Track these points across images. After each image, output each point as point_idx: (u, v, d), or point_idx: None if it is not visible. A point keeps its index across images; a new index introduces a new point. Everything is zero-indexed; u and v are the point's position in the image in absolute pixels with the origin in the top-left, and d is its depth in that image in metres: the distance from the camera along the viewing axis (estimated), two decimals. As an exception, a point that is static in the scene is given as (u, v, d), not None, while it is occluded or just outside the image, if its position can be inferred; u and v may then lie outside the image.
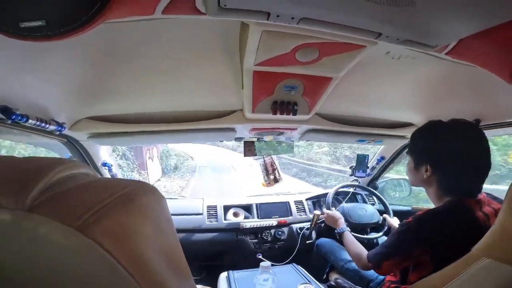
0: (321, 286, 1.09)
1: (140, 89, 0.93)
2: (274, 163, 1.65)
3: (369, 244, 1.62)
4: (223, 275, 1.23)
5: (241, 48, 0.74)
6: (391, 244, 0.87)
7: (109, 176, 1.52)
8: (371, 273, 1.24)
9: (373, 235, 1.49)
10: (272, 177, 1.67)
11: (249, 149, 1.45)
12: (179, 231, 1.59)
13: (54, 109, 0.91)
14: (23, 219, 0.21)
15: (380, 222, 1.57)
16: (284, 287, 1.03)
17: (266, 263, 0.94)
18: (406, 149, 1.58)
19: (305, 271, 1.23)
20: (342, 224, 1.33)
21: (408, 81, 0.99)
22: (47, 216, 0.21)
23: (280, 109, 0.99)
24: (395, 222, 1.53)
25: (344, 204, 1.64)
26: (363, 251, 1.05)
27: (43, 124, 0.86)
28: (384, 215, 1.59)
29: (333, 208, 1.51)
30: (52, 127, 0.91)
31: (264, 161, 1.63)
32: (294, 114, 1.01)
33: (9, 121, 0.76)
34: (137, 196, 0.30)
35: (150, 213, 0.30)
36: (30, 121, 0.80)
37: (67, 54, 0.69)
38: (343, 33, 0.61)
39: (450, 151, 0.81)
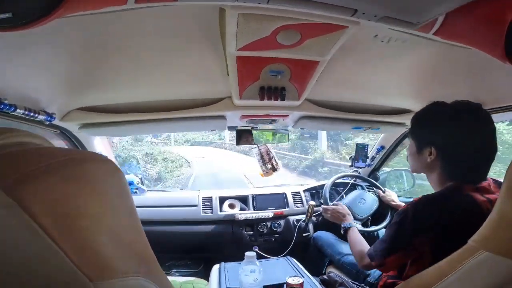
0: (313, 279, 1.07)
1: (128, 79, 0.94)
2: (269, 151, 1.63)
3: (369, 237, 1.59)
4: (215, 268, 1.23)
5: (222, 34, 0.73)
6: (391, 238, 0.82)
7: None
8: None
9: (373, 227, 1.45)
10: (269, 166, 1.65)
11: (241, 137, 1.43)
12: (175, 223, 1.59)
13: (44, 101, 0.92)
14: None
15: (377, 207, 1.53)
16: (272, 279, 1.01)
17: (251, 253, 0.92)
18: (407, 136, 1.55)
19: (299, 265, 1.21)
20: (349, 220, 1.26)
21: (401, 66, 0.96)
22: None
23: (267, 94, 0.98)
24: (391, 195, 1.51)
25: (344, 198, 1.62)
26: (366, 250, 0.98)
27: (31, 114, 0.87)
28: (379, 193, 1.56)
29: (339, 203, 1.46)
30: (41, 117, 0.92)
31: (259, 150, 1.61)
32: (283, 99, 1.00)
33: None
34: (80, 163, 0.28)
35: (94, 184, 0.28)
36: (18, 110, 0.81)
37: (53, 46, 0.70)
38: (318, 12, 0.58)
39: (456, 132, 0.78)
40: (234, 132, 1.46)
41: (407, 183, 1.86)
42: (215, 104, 1.13)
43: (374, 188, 1.73)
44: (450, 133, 0.79)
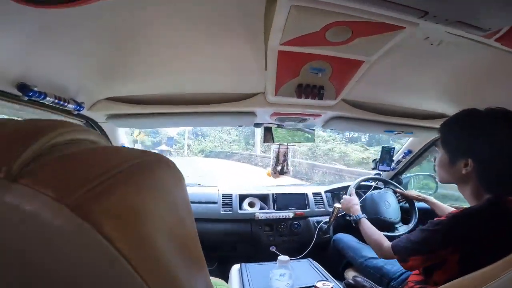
0: (338, 284, 1.04)
1: (158, 70, 0.92)
2: (287, 154, 1.59)
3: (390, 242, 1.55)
4: (235, 268, 1.21)
5: (266, 26, 0.70)
6: (419, 241, 0.82)
7: None
8: (393, 271, 1.21)
9: (396, 232, 1.41)
10: (279, 168, 1.61)
11: (269, 135, 1.39)
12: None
13: (73, 89, 0.91)
14: (6, 190, 0.17)
15: (399, 221, 1.50)
16: (300, 283, 1.00)
17: (284, 258, 0.90)
18: (436, 142, 1.50)
19: (321, 267, 1.19)
20: (357, 211, 1.29)
21: (445, 69, 0.92)
22: (35, 187, 0.17)
23: (305, 92, 0.96)
24: (412, 192, 1.50)
25: (374, 191, 1.58)
26: (384, 239, 1.03)
27: (61, 102, 0.86)
28: (400, 192, 1.55)
29: (352, 193, 1.47)
30: (71, 106, 0.92)
31: (279, 149, 1.57)
32: (320, 98, 0.97)
33: (26, 98, 0.76)
34: (152, 168, 0.25)
35: (165, 190, 0.26)
36: (48, 98, 0.80)
37: (85, 32, 0.68)
38: (383, 11, 0.56)
39: (496, 142, 0.74)
40: (263, 140, 1.43)
41: (430, 188, 1.83)
42: (247, 100, 1.10)
43: (396, 192, 1.68)
44: (489, 143, 0.74)
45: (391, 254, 0.92)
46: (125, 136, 1.44)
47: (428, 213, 1.40)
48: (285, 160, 1.61)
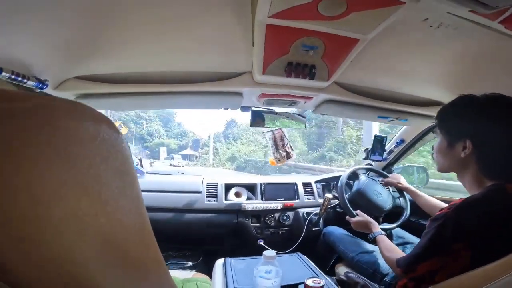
0: (329, 280, 0.99)
1: (134, 46, 0.85)
2: (284, 136, 1.52)
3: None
4: (219, 262, 1.16)
5: None
6: (427, 243, 0.75)
7: None
8: (387, 267, 1.16)
9: (386, 225, 1.37)
10: (283, 153, 1.53)
11: (257, 119, 1.31)
12: (175, 210, 1.50)
13: (37, 66, 0.83)
14: None
15: (391, 208, 1.46)
16: (285, 279, 0.92)
17: (270, 252, 0.83)
18: (432, 130, 1.45)
19: (311, 262, 1.16)
20: (376, 228, 1.19)
21: (444, 54, 0.89)
22: None
23: (295, 71, 0.90)
24: (396, 177, 1.45)
25: (362, 178, 1.52)
26: (400, 255, 0.93)
27: (19, 78, 0.78)
28: (382, 180, 1.50)
29: (359, 212, 1.35)
30: (31, 83, 0.83)
31: (274, 134, 1.50)
32: (312, 78, 0.92)
33: None
34: (57, 118, 0.18)
35: (87, 164, 0.18)
36: (3, 74, 0.73)
37: (51, 9, 0.62)
38: None
39: (493, 123, 0.72)
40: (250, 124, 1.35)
41: (421, 180, 1.81)
42: (232, 79, 1.04)
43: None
44: (487, 123, 0.74)
45: (398, 272, 0.85)
46: None
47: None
48: (284, 143, 1.53)
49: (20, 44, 0.72)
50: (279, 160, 1.53)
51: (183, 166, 21.10)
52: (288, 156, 1.53)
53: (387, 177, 1.58)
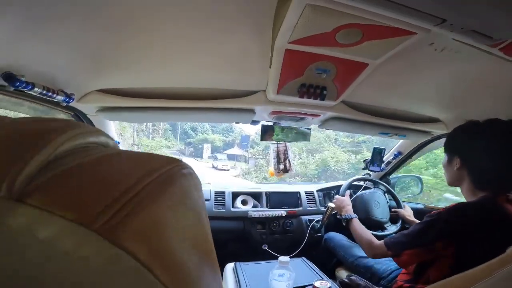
0: (334, 283, 1.05)
1: (155, 62, 0.88)
2: (287, 151, 1.59)
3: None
4: (229, 266, 1.20)
5: (275, 23, 0.68)
6: (416, 234, 0.87)
7: None
8: (382, 270, 1.24)
9: (385, 232, 1.45)
10: (282, 166, 1.61)
11: (267, 132, 1.38)
12: None
13: (62, 80, 0.86)
14: (10, 212, 0.13)
15: (388, 220, 1.53)
16: (297, 282, 0.99)
17: (284, 258, 0.89)
18: (427, 145, 1.55)
19: (316, 266, 1.20)
20: (349, 211, 1.33)
21: (443, 75, 0.94)
22: (47, 208, 0.14)
23: (307, 92, 0.95)
24: (408, 211, 1.52)
25: (364, 192, 1.61)
26: (374, 238, 1.08)
27: (50, 94, 0.82)
28: (395, 210, 1.57)
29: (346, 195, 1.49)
30: (60, 98, 0.86)
31: (278, 147, 1.56)
32: (322, 99, 0.97)
33: (12, 89, 0.71)
34: (177, 179, 0.23)
35: (191, 201, 0.24)
36: (35, 89, 0.76)
37: (78, 22, 0.64)
38: (400, 17, 0.55)
39: (478, 143, 0.85)
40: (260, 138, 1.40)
41: (415, 189, 1.92)
42: (247, 97, 1.08)
43: (385, 193, 1.72)
44: (473, 143, 0.86)
45: (382, 251, 0.97)
46: (115, 130, 1.37)
47: (418, 213, 1.44)
48: (286, 158, 1.60)
49: (46, 58, 0.74)
50: (278, 172, 1.59)
51: (228, 169, 17.54)
52: (286, 170, 1.59)
53: (386, 187, 1.67)
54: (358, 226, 1.21)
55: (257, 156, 18.12)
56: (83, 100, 0.99)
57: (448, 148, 0.96)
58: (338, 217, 1.34)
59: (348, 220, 1.27)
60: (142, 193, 0.18)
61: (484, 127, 0.86)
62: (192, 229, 0.23)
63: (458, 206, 0.83)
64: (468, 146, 0.88)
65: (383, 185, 1.70)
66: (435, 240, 0.81)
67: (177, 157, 0.29)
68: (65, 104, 0.92)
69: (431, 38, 0.70)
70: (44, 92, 0.79)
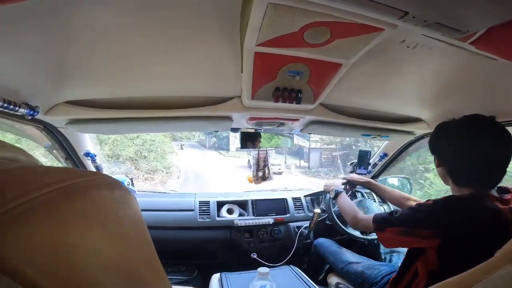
0: None
1: (125, 71, 0.84)
2: (267, 159, 1.55)
3: (371, 245, 1.55)
4: (215, 277, 1.15)
5: (242, 26, 0.65)
6: (402, 216, 0.87)
7: (93, 169, 1.40)
8: (373, 276, 1.19)
9: (374, 235, 1.41)
10: (260, 173, 1.57)
11: (247, 140, 1.34)
12: (168, 228, 1.48)
13: (26, 92, 0.81)
14: None
15: None
16: None
17: (264, 269, 0.85)
18: (412, 146, 1.53)
19: (304, 274, 1.16)
20: (338, 186, 1.40)
21: (420, 73, 0.93)
22: None
23: (282, 96, 0.91)
24: (354, 176, 1.55)
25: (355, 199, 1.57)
26: (359, 211, 1.15)
27: (11, 107, 0.77)
28: (344, 177, 1.57)
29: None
30: (22, 110, 0.81)
31: (258, 154, 1.52)
32: (298, 102, 0.93)
33: None
34: (84, 193, 0.22)
35: (105, 218, 0.22)
36: None
37: (41, 31, 0.60)
38: (363, 11, 0.53)
39: (449, 142, 0.86)
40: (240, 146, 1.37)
41: (404, 190, 1.86)
42: (222, 104, 1.04)
43: (374, 195, 1.69)
44: (444, 142, 0.88)
45: (366, 223, 1.01)
46: (90, 142, 1.32)
47: None
48: (265, 165, 1.56)
49: (6, 70, 0.70)
50: (256, 179, 1.55)
51: (280, 171, 11.10)
52: (264, 178, 1.56)
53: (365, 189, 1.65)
54: (344, 199, 1.28)
55: (327, 146, 12.26)
56: (51, 113, 0.94)
57: (430, 148, 0.96)
58: (336, 190, 1.35)
59: (337, 194, 1.33)
60: (30, 205, 0.17)
61: (458, 124, 0.85)
62: (110, 252, 0.21)
63: (446, 199, 0.82)
64: (442, 145, 0.89)
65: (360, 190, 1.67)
66: (419, 227, 0.81)
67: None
68: (29, 117, 0.88)
69: (401, 35, 0.69)
70: (5, 105, 0.74)
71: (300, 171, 13.59)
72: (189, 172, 10.63)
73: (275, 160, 12.16)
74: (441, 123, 0.90)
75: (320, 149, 13.78)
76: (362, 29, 0.61)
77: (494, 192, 0.82)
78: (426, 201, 0.87)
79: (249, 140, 1.36)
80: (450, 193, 0.89)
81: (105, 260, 0.21)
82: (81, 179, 0.23)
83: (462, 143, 0.82)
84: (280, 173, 11.30)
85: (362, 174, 1.70)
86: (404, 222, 0.85)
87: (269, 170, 1.55)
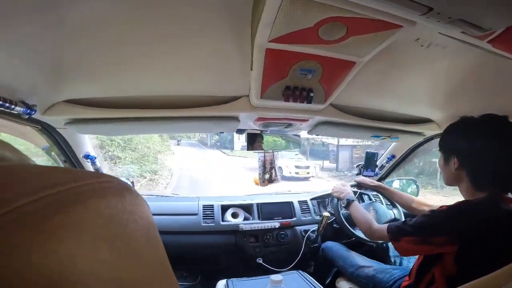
0: None
1: (127, 69, 0.80)
2: (273, 161, 1.51)
3: (380, 248, 1.52)
4: (221, 283, 1.11)
5: (253, 20, 0.62)
6: (417, 225, 0.85)
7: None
8: (386, 280, 1.15)
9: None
10: (267, 176, 1.53)
11: (254, 142, 1.30)
12: (171, 232, 1.44)
13: (24, 90, 0.77)
14: None
15: (388, 221, 1.45)
16: None
17: (277, 277, 0.81)
18: (420, 147, 1.50)
19: (313, 279, 1.12)
20: (350, 193, 1.35)
21: (432, 73, 0.90)
22: None
23: (293, 95, 0.87)
24: (365, 179, 1.52)
25: (362, 203, 1.53)
26: (373, 220, 1.11)
27: (6, 104, 0.73)
28: (355, 180, 1.55)
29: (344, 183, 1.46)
30: (19, 109, 0.77)
31: (264, 156, 1.49)
32: (309, 102, 0.89)
33: None
34: (84, 200, 0.18)
35: (111, 232, 0.18)
36: None
37: (39, 25, 0.57)
38: (384, 8, 0.50)
39: (476, 142, 0.81)
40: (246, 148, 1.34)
41: (412, 192, 1.83)
42: (229, 104, 1.00)
43: (381, 197, 1.65)
44: (470, 142, 0.82)
45: (381, 234, 0.98)
46: (90, 143, 1.27)
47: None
48: (272, 167, 1.52)
49: (2, 66, 0.67)
50: (263, 182, 1.51)
51: (309, 175, 9.80)
52: (271, 180, 1.52)
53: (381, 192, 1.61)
54: (358, 208, 1.23)
55: (357, 142, 10.30)
56: (49, 112, 0.90)
57: (444, 148, 0.92)
58: (347, 198, 1.30)
59: (349, 202, 1.28)
60: (28, 209, 0.14)
61: (480, 124, 0.82)
62: (120, 272, 0.18)
63: (461, 205, 0.80)
64: (466, 145, 0.84)
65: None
66: (434, 234, 0.79)
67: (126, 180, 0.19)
68: (26, 116, 0.83)
69: (416, 33, 0.67)
70: (0, 103, 0.70)
71: (329, 174, 11.63)
72: (183, 177, 8.81)
73: (300, 161, 10.40)
74: (464, 119, 0.87)
75: (351, 147, 11.66)
76: (380, 26, 0.58)
77: (509, 194, 0.81)
78: (440, 207, 0.84)
79: (256, 141, 1.32)
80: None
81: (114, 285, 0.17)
82: (81, 183, 0.18)
83: (491, 143, 0.79)
84: (307, 179, 9.80)
85: (369, 176, 1.67)
86: (419, 231, 0.83)
87: (276, 172, 1.51)
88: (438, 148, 0.94)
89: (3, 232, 0.13)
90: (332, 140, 11.23)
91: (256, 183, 1.54)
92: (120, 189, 0.21)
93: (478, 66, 0.81)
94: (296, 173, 9.82)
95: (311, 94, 0.88)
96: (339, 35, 0.63)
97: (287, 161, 9.95)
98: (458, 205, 0.80)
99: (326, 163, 12.64)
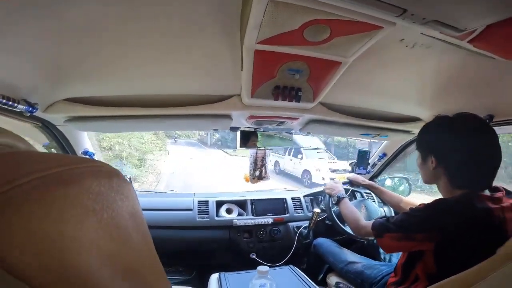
0: None
1: (124, 69, 0.84)
2: (265, 158, 1.54)
3: (370, 245, 1.55)
4: (214, 277, 1.15)
5: (242, 23, 0.66)
6: (397, 222, 0.87)
7: None
8: (373, 276, 1.19)
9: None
10: (257, 173, 1.56)
11: (248, 139, 1.33)
12: (167, 227, 1.47)
13: (26, 89, 0.81)
14: None
15: (385, 215, 1.49)
16: None
17: (263, 268, 0.84)
18: (411, 146, 1.54)
19: (304, 275, 1.15)
20: (341, 191, 1.38)
21: (419, 72, 0.93)
22: None
23: (282, 94, 0.91)
24: (358, 177, 1.54)
25: (354, 200, 1.57)
26: (361, 218, 1.14)
27: (10, 103, 0.76)
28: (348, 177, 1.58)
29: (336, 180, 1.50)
30: (21, 107, 0.81)
31: (256, 153, 1.52)
32: (298, 101, 0.93)
33: None
34: (79, 180, 0.21)
35: (101, 207, 0.21)
36: None
37: (40, 27, 0.60)
38: (362, 9, 0.54)
39: (452, 141, 0.83)
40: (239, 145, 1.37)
41: (404, 190, 1.87)
42: (221, 102, 1.04)
43: (373, 195, 1.69)
44: (446, 142, 0.84)
45: (366, 230, 1.01)
46: (89, 140, 1.31)
47: None
48: (263, 164, 1.56)
49: (6, 66, 0.70)
50: (253, 178, 1.54)
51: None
52: (261, 177, 1.54)
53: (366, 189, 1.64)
54: (347, 205, 1.26)
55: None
56: (50, 110, 0.94)
57: (421, 147, 0.93)
58: (338, 195, 1.34)
59: (340, 199, 1.31)
60: (26, 186, 0.17)
61: (453, 122, 0.84)
62: (106, 244, 0.21)
63: (438, 203, 0.82)
64: (441, 144, 0.85)
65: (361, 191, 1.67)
66: (414, 231, 0.81)
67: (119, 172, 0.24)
68: (28, 114, 0.87)
69: (400, 34, 0.69)
70: (4, 101, 0.74)
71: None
72: (174, 183, 7.23)
73: (334, 163, 7.81)
74: (438, 118, 0.88)
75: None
76: (361, 27, 0.61)
77: (486, 191, 0.82)
78: (419, 205, 0.87)
79: (250, 139, 1.35)
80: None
81: (101, 253, 0.20)
82: (77, 166, 0.22)
83: (467, 141, 0.80)
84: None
85: (361, 174, 1.70)
86: (400, 228, 0.85)
87: (265, 170, 1.54)
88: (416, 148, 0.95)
89: (19, 200, 0.17)
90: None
91: (247, 180, 1.57)
92: (109, 173, 0.25)
93: (463, 66, 0.84)
94: (332, 178, 6.49)
95: (300, 93, 0.92)
96: (323, 36, 0.66)
97: (315, 162, 7.80)
98: (435, 203, 0.82)
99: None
